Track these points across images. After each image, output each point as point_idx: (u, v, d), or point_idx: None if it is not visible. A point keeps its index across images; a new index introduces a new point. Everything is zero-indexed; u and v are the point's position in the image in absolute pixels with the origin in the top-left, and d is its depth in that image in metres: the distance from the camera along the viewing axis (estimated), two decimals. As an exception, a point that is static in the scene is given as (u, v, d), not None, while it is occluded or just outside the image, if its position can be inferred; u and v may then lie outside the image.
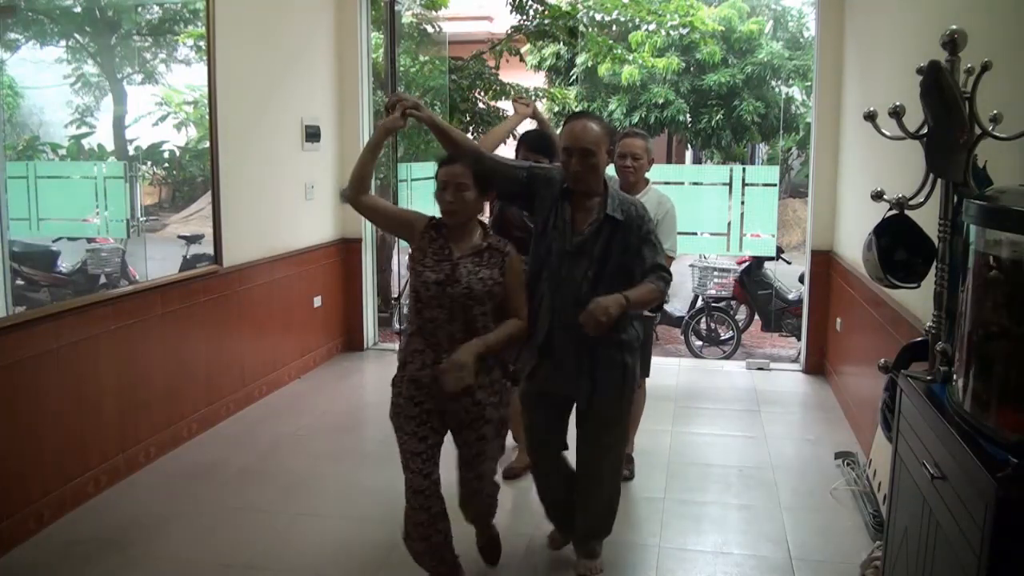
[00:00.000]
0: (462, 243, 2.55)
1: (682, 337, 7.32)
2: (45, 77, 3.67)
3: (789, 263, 7.62)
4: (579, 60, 11.54)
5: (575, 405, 2.82)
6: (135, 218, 4.12)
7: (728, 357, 6.98)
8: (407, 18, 8.05)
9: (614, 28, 11.34)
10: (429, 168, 7.30)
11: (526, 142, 3.52)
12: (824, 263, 5.54)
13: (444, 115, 8.08)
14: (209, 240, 4.38)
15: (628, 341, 2.73)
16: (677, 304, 7.77)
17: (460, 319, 2.50)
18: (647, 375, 3.77)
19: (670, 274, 2.68)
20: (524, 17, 8.16)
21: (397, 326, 6.80)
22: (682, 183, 6.41)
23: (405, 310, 7.32)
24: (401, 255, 7.28)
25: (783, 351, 7.42)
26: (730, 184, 6.07)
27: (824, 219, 5.53)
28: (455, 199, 2.50)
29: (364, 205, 2.59)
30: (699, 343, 7.27)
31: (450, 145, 2.63)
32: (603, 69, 11.28)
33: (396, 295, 7.34)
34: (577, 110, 3.25)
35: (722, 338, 7.28)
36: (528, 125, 3.86)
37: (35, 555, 3.10)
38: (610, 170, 3.77)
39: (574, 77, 12.41)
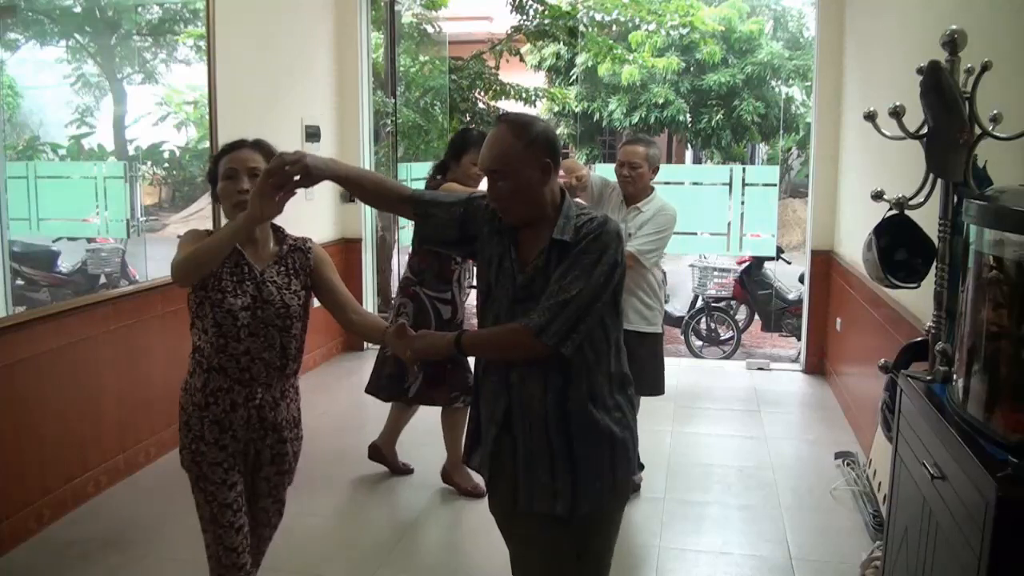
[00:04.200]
0: (259, 253, 2.13)
1: (682, 337, 7.32)
2: (45, 77, 3.67)
3: (789, 263, 7.63)
4: (579, 60, 11.56)
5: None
6: (135, 218, 4.12)
7: (728, 357, 6.99)
8: (407, 18, 8.06)
9: (614, 28, 11.36)
10: (429, 168, 7.30)
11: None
12: (824, 263, 5.54)
13: (444, 115, 8.10)
14: (209, 240, 4.38)
15: (615, 435, 1.89)
16: (677, 304, 7.77)
17: (277, 344, 2.12)
18: (660, 392, 3.64)
19: (574, 319, 1.79)
20: (524, 17, 8.17)
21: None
22: (682, 183, 6.42)
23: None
24: (401, 255, 7.28)
25: (783, 351, 7.42)
26: (730, 184, 6.07)
27: (824, 219, 5.53)
28: (252, 187, 2.00)
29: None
30: (699, 343, 7.27)
31: (369, 196, 2.07)
32: (603, 69, 11.31)
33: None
34: (504, 112, 2.51)
35: (722, 338, 7.28)
36: None
37: (35, 555, 3.10)
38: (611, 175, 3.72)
39: (574, 77, 12.43)
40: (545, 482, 1.86)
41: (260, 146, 2.14)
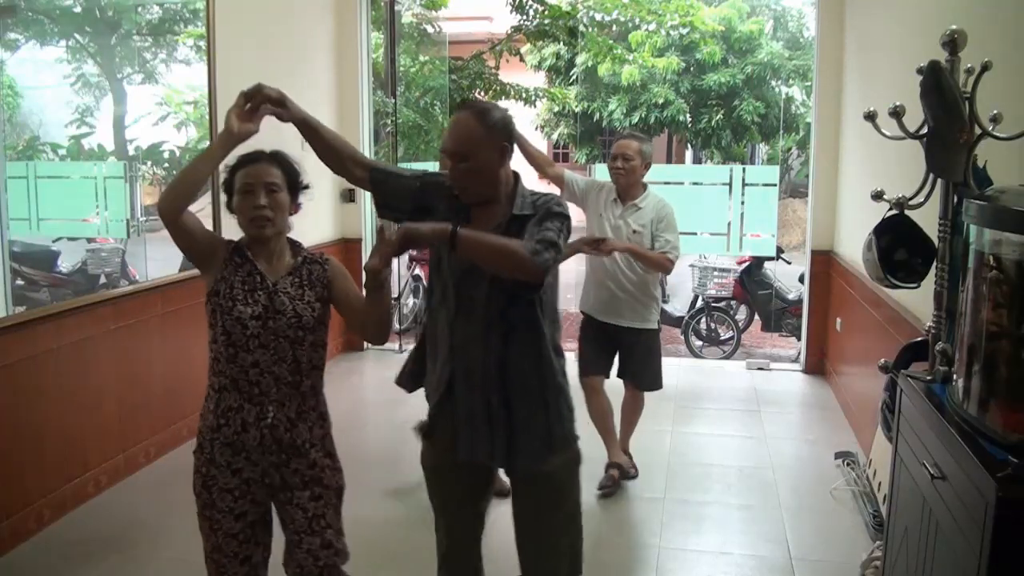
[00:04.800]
0: (274, 265, 2.09)
1: (682, 337, 7.31)
2: (45, 77, 3.67)
3: (789, 263, 7.62)
4: (579, 60, 11.56)
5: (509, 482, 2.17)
6: (135, 218, 4.12)
7: (728, 357, 6.98)
8: (407, 18, 8.07)
9: (614, 28, 11.37)
10: (429, 168, 7.30)
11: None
12: (824, 263, 5.54)
13: (444, 115, 8.09)
14: (209, 240, 4.37)
15: (549, 396, 2.06)
16: (677, 304, 7.77)
17: (288, 356, 2.05)
18: (659, 387, 3.80)
19: (557, 252, 1.94)
20: (524, 17, 8.18)
21: (397, 326, 6.80)
22: (682, 183, 6.42)
23: (405, 310, 7.34)
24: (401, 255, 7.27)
25: (783, 351, 7.42)
26: (730, 184, 6.07)
27: (824, 219, 5.53)
28: (269, 203, 2.02)
29: (183, 223, 2.02)
30: (699, 343, 7.26)
31: (325, 148, 2.15)
32: (603, 69, 11.31)
33: (396, 295, 7.33)
34: (466, 98, 2.59)
35: (722, 338, 7.27)
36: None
37: (35, 555, 3.10)
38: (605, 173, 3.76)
39: (574, 77, 12.42)
40: (483, 434, 2.03)
41: (278, 159, 2.08)
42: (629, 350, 3.72)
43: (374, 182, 2.13)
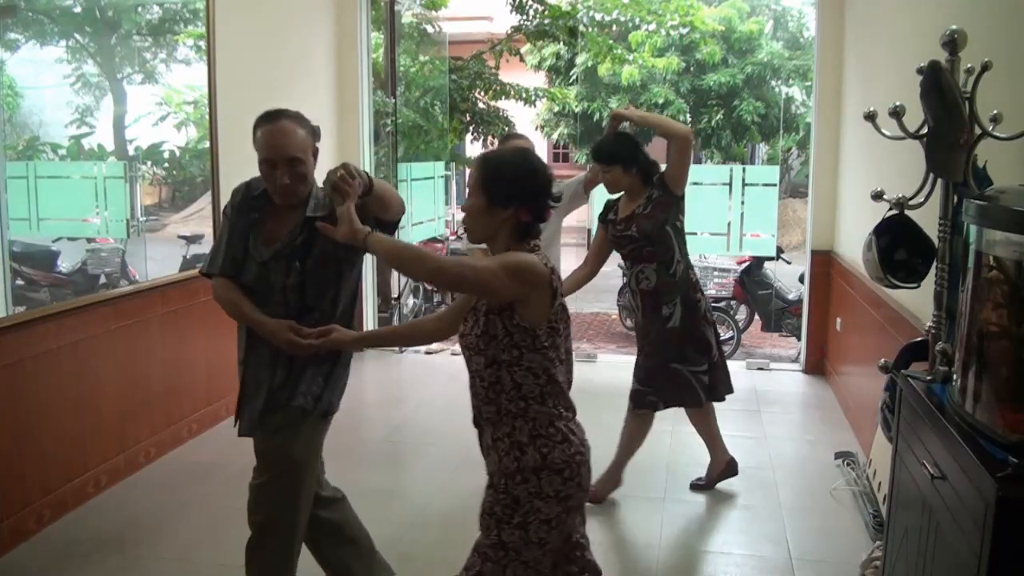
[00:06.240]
0: None
1: (682, 337, 7.30)
2: (45, 77, 3.67)
3: (789, 263, 7.62)
4: (579, 60, 11.56)
5: None
6: (135, 218, 4.12)
7: (728, 357, 6.98)
8: (407, 18, 8.07)
9: (614, 28, 11.36)
10: (429, 168, 7.31)
11: (600, 156, 3.38)
12: (824, 263, 5.54)
13: (444, 115, 8.09)
14: (209, 240, 4.38)
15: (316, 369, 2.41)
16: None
17: (471, 378, 1.95)
18: None
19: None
20: (524, 17, 8.18)
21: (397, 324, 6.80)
22: (682, 183, 6.39)
23: (405, 310, 7.33)
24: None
25: (783, 351, 7.42)
26: (730, 184, 6.07)
27: (824, 219, 5.53)
28: (466, 209, 1.94)
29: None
30: (699, 343, 7.25)
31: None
32: (603, 69, 11.31)
33: (396, 295, 7.33)
34: (271, 109, 2.54)
35: (722, 338, 7.26)
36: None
37: (35, 555, 3.10)
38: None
39: (574, 77, 12.42)
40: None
41: (477, 162, 1.88)
42: None
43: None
